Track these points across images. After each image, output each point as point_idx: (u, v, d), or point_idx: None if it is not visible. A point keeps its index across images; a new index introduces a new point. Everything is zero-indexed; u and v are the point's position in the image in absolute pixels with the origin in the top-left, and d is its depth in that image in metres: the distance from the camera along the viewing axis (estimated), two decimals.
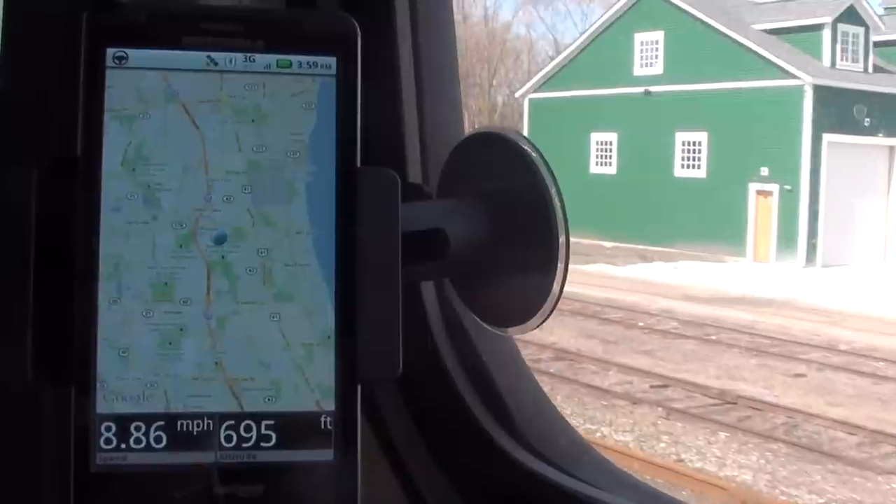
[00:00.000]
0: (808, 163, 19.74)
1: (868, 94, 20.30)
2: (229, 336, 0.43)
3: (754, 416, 7.94)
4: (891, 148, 20.82)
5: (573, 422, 6.60)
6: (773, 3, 21.52)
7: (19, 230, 0.43)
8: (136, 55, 0.44)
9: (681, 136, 21.97)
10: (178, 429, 0.43)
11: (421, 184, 0.73)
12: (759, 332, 11.75)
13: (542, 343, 10.09)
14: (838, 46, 20.58)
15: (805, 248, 19.88)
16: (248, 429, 0.43)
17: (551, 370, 9.31)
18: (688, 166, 22.03)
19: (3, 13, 0.63)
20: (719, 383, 8.96)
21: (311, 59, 0.45)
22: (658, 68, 22.41)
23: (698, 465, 6.86)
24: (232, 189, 0.44)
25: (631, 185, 22.75)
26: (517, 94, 27.06)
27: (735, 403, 8.23)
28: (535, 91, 25.61)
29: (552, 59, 32.33)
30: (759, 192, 20.62)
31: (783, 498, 6.33)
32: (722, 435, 7.45)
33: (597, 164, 24.16)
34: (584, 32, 24.79)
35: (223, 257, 0.44)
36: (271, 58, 0.45)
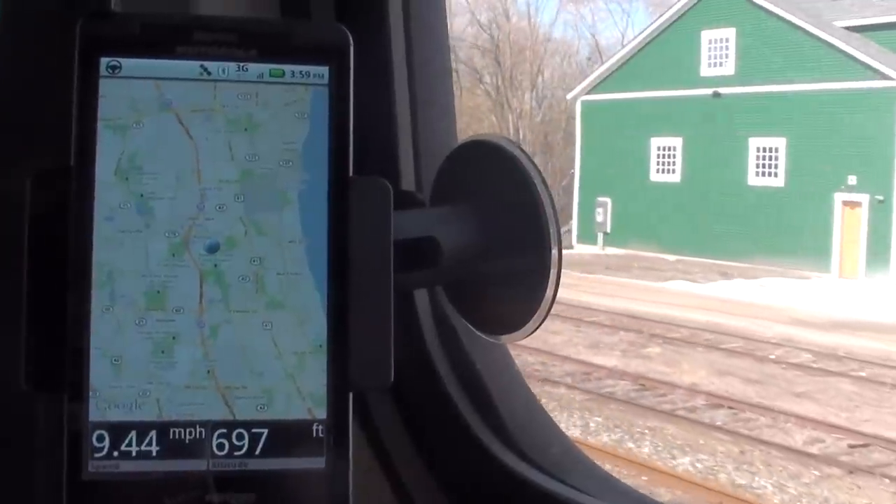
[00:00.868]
0: None
1: None
2: (222, 344, 0.44)
3: None
4: None
5: None
6: None
7: (13, 238, 0.44)
8: (129, 64, 0.44)
9: (755, 142, 20.26)
10: (171, 437, 0.43)
11: (414, 191, 0.73)
12: None
13: (679, 384, 8.73)
14: None
15: None
16: (240, 437, 0.43)
17: (717, 422, 7.70)
18: (763, 174, 20.35)
19: None
20: None
21: (304, 68, 0.45)
22: (728, 68, 20.64)
23: None
24: (225, 198, 0.44)
25: (698, 193, 21.12)
26: (568, 97, 25.21)
27: None
28: (588, 93, 23.75)
29: (589, 59, 30.77)
30: (845, 203, 18.93)
31: None
32: None
33: (658, 171, 22.41)
34: (644, 30, 22.99)
35: (216, 266, 0.44)
36: (264, 67, 0.45)
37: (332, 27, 0.46)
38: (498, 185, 0.55)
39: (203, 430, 0.43)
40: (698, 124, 20.99)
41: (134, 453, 0.42)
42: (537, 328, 0.54)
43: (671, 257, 20.51)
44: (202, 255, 0.44)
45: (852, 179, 18.61)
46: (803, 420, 7.83)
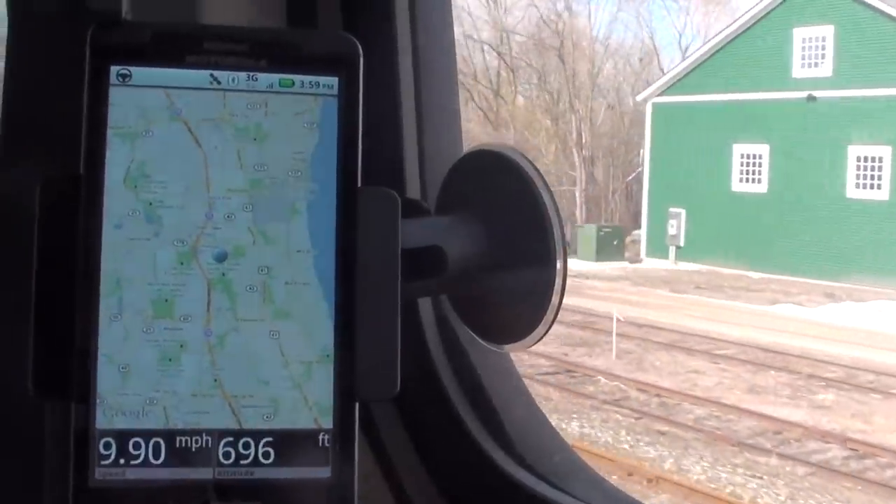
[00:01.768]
0: None
1: None
2: (229, 353, 0.44)
3: None
4: None
5: None
6: None
7: (22, 245, 0.44)
8: (139, 73, 0.44)
9: (855, 150, 18.36)
10: (177, 445, 0.43)
11: (419, 200, 0.73)
12: None
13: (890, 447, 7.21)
14: None
15: None
16: (246, 446, 0.43)
17: None
18: (865, 185, 18.33)
19: (10, 30, 0.63)
20: None
21: (314, 78, 0.46)
22: (825, 69, 18.63)
23: None
24: (233, 207, 0.44)
25: (787, 205, 19.03)
26: (639, 98, 23.22)
27: None
28: (660, 94, 21.75)
29: (641, 59, 29.09)
30: None
31: None
32: None
33: (741, 180, 20.34)
34: (726, 28, 20.74)
35: (224, 275, 0.44)
36: (274, 77, 0.45)
37: (342, 37, 0.46)
38: (503, 195, 0.55)
39: (209, 438, 0.43)
40: (789, 130, 19.04)
41: (140, 461, 0.43)
42: (541, 338, 0.54)
43: (755, 274, 18.75)
44: (210, 263, 0.44)
45: None
46: None
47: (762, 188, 20.01)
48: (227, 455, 0.43)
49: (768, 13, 19.52)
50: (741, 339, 11.77)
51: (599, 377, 9.83)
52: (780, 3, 19.32)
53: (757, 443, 7.60)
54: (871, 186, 18.34)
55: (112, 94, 0.44)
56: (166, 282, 0.43)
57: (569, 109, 27.01)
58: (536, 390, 8.88)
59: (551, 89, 27.73)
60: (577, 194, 26.38)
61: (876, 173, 18.26)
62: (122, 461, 0.42)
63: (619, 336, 11.19)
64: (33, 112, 0.62)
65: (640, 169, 23.25)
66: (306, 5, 0.75)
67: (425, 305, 0.74)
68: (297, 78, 0.45)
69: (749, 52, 19.58)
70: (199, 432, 0.43)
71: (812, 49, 18.98)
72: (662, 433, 7.83)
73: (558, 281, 0.52)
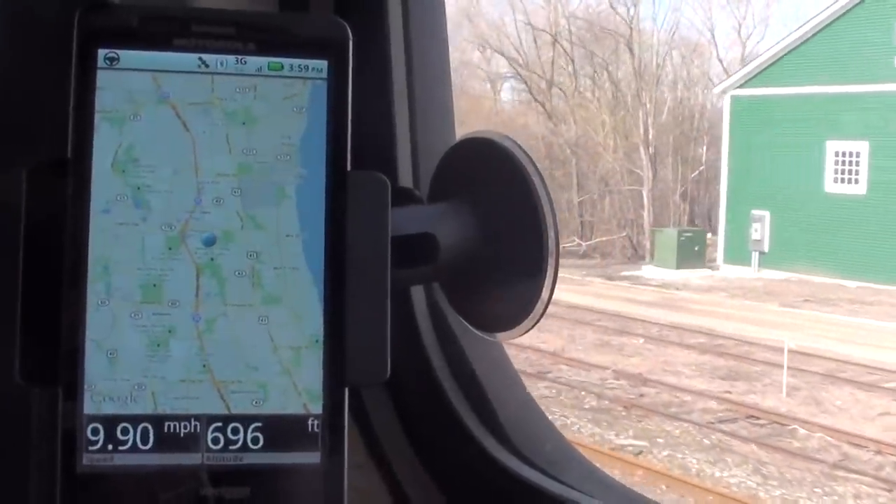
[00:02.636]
0: None
1: None
2: (217, 338, 0.44)
3: None
4: None
5: None
6: None
7: (8, 231, 0.44)
8: (127, 56, 0.44)
9: None
10: (165, 430, 0.43)
11: (412, 188, 0.73)
12: None
13: None
14: None
15: None
16: (235, 431, 0.43)
17: None
18: None
19: None
20: None
21: (303, 62, 0.45)
22: None
23: None
24: (222, 191, 0.44)
25: (891, 208, 17.19)
26: (716, 90, 21.19)
27: None
28: (740, 86, 19.60)
29: (694, 50, 27.78)
30: None
31: None
32: None
33: (836, 180, 18.27)
34: (816, 15, 18.45)
35: (212, 259, 0.44)
36: (263, 60, 0.45)
37: (332, 21, 0.46)
38: (495, 182, 0.55)
39: (198, 423, 0.43)
40: (892, 125, 17.23)
41: (128, 447, 0.42)
42: (533, 326, 0.54)
43: (851, 283, 16.94)
44: (199, 248, 0.44)
45: None
46: None
47: (860, 189, 18.02)
48: (215, 440, 0.43)
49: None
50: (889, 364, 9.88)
51: (795, 426, 7.95)
52: None
53: None
54: None
55: (100, 77, 0.44)
56: (154, 267, 0.43)
57: (635, 102, 24.83)
58: (740, 450, 7.33)
59: (615, 80, 25.79)
60: (644, 194, 23.73)
61: None
62: (110, 447, 0.42)
63: (768, 365, 9.63)
64: (19, 96, 0.62)
65: (701, 168, 22.20)
66: None
67: (418, 294, 0.74)
68: (287, 61, 0.45)
69: (843, 41, 17.55)
70: (187, 418, 0.43)
71: None
72: None
73: (550, 269, 0.52)
